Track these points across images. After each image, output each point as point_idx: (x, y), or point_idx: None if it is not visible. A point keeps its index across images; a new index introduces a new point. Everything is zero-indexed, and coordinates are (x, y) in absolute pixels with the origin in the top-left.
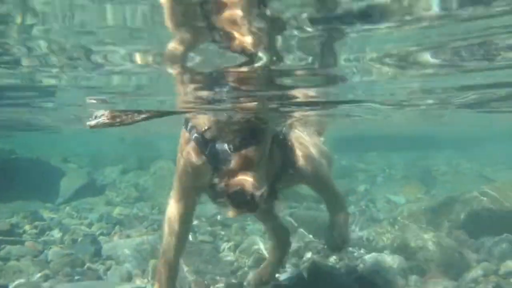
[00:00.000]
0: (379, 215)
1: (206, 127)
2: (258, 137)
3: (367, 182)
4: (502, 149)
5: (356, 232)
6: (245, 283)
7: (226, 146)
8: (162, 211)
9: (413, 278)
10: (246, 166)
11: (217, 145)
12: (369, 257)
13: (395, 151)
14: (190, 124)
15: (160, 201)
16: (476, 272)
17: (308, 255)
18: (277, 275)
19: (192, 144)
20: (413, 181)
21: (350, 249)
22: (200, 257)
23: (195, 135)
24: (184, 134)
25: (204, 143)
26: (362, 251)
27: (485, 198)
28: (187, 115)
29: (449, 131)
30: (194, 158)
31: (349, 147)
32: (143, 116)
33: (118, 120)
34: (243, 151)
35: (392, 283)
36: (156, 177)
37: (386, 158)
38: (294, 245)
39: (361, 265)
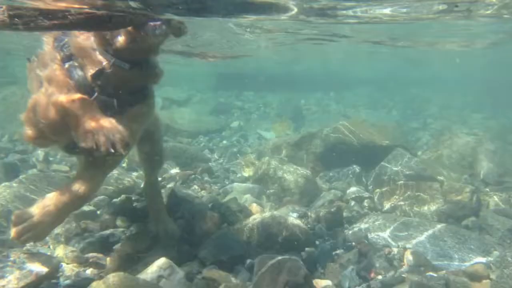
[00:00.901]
0: (247, 149)
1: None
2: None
3: (241, 119)
4: (365, 92)
5: (223, 164)
6: None
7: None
8: (11, 140)
9: (269, 204)
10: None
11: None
12: (230, 187)
13: (271, 91)
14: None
15: (11, 129)
16: (324, 198)
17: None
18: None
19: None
20: (284, 119)
21: (215, 179)
22: None
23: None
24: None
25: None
26: (226, 181)
27: (340, 134)
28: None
29: (321, 74)
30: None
31: (228, 85)
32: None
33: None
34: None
35: (248, 209)
36: (6, 103)
37: (262, 97)
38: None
39: (222, 194)
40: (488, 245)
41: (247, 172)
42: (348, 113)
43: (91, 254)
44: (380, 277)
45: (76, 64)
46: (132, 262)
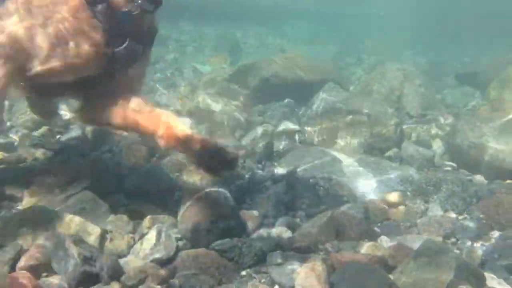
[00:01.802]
0: (181, 83)
1: None
2: None
3: (177, 51)
4: (304, 26)
5: (154, 98)
6: None
7: None
8: None
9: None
10: None
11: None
12: None
13: (209, 24)
14: None
15: None
16: (256, 132)
17: None
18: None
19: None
20: (221, 52)
21: None
22: None
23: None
24: None
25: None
26: None
27: (274, 69)
28: None
29: (261, 6)
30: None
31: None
32: None
33: None
34: None
35: None
36: None
37: (199, 29)
38: None
39: None
40: (407, 174)
41: (180, 106)
42: (286, 47)
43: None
44: (304, 206)
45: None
46: (52, 195)
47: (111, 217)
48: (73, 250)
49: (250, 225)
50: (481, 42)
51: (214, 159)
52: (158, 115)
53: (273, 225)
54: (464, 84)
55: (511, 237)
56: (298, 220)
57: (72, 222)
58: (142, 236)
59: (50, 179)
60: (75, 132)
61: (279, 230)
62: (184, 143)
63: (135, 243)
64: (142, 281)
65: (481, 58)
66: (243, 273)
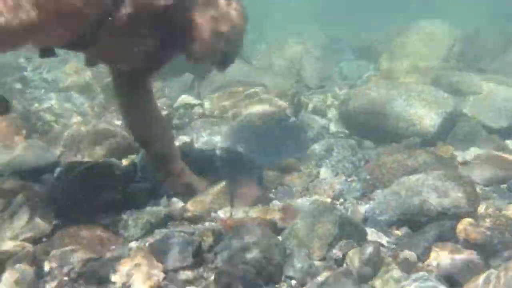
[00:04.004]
0: (73, 58)
1: None
2: None
3: None
4: None
5: (43, 74)
6: None
7: None
8: None
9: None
10: None
11: None
12: (47, 96)
13: None
14: None
15: None
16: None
17: None
18: None
19: None
20: None
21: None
22: None
23: None
24: None
25: None
26: (43, 91)
27: None
28: None
29: None
30: None
31: None
32: None
33: None
34: None
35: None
36: None
37: None
38: None
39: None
40: (304, 142)
41: (71, 82)
42: None
43: None
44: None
45: None
46: None
47: None
48: None
49: (140, 197)
50: (377, 18)
51: None
52: None
53: (164, 197)
54: (360, 57)
55: (391, 194)
56: None
57: None
58: (13, 215)
59: None
60: None
61: (171, 202)
62: None
63: (4, 222)
64: (1, 263)
65: (376, 33)
66: (132, 245)
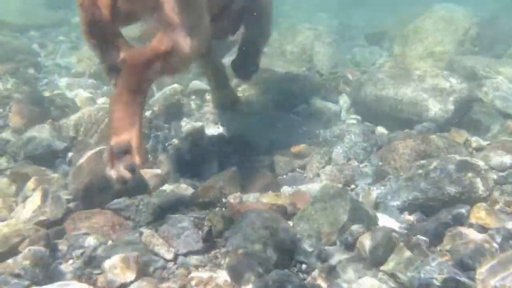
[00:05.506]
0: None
1: None
2: None
3: None
4: None
5: (55, 60)
6: None
7: None
8: None
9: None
10: None
11: None
12: (60, 81)
13: None
14: None
15: None
16: (164, 92)
17: None
18: None
19: None
20: None
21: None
22: None
23: None
24: None
25: None
26: (56, 76)
27: None
28: None
29: None
30: None
31: None
32: None
33: None
34: None
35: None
36: None
37: None
38: None
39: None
40: (314, 127)
41: (82, 68)
42: None
43: None
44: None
45: None
46: None
47: None
48: None
49: (152, 183)
50: (390, 4)
51: None
52: None
53: (175, 183)
54: (373, 44)
55: (403, 180)
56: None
57: None
58: (25, 199)
59: None
60: None
61: (182, 187)
62: None
63: (17, 205)
64: (16, 246)
65: (389, 20)
66: (142, 230)
